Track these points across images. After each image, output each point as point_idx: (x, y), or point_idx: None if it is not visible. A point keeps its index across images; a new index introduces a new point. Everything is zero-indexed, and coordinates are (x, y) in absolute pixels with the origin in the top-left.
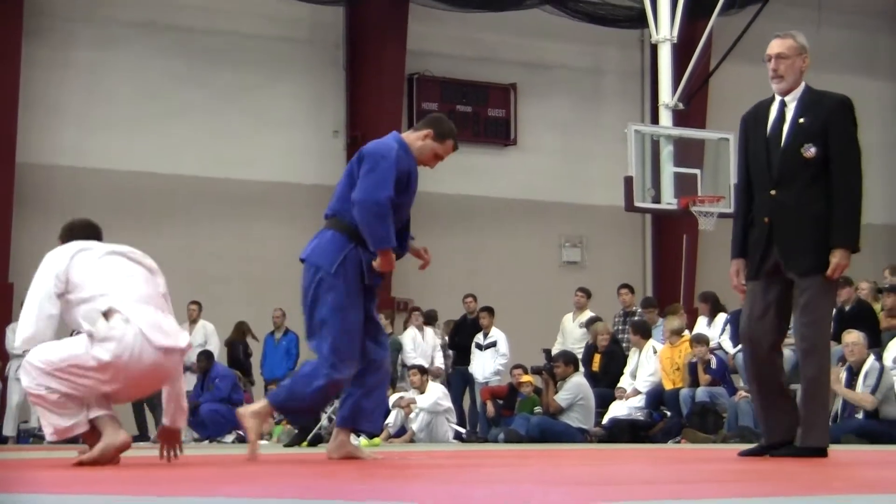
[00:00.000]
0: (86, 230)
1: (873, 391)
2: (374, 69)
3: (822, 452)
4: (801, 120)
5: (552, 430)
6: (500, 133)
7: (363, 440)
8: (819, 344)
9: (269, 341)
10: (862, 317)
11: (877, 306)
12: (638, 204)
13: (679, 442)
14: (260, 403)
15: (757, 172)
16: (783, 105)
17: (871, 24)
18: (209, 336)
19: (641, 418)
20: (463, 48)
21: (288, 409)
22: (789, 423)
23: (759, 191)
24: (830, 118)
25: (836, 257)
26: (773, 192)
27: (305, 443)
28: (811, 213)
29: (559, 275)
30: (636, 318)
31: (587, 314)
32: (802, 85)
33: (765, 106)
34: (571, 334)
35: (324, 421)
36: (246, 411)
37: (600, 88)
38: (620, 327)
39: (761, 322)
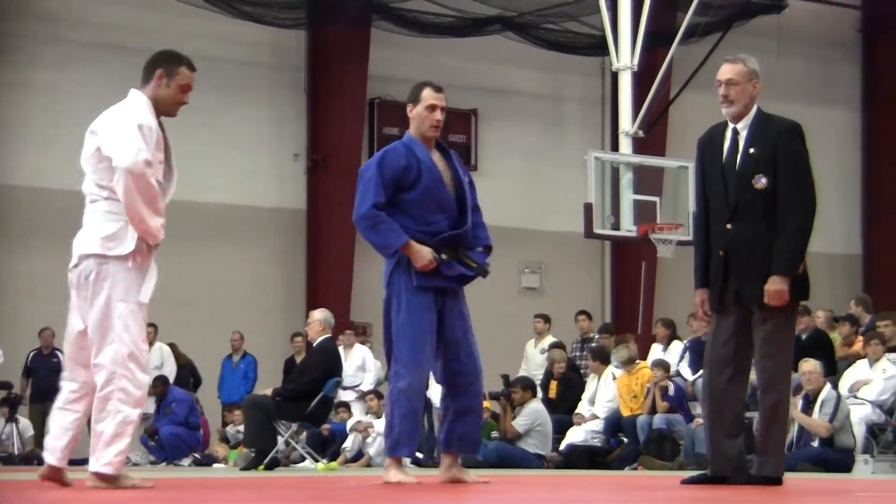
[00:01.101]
0: None
1: (831, 419)
2: (336, 93)
3: (777, 482)
4: (752, 150)
5: (509, 456)
6: (461, 158)
7: (320, 465)
8: (779, 375)
9: (227, 364)
10: (818, 345)
11: (833, 335)
12: (597, 231)
13: (636, 469)
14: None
15: (714, 202)
16: (736, 132)
17: (830, 55)
18: (165, 358)
19: (598, 444)
20: (424, 73)
21: (401, 441)
22: (738, 459)
23: (715, 221)
24: (779, 146)
25: (771, 284)
26: (728, 226)
27: (262, 466)
28: (765, 245)
29: (519, 300)
30: (593, 344)
31: (549, 339)
32: (754, 110)
33: (719, 131)
34: (534, 360)
35: (280, 444)
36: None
37: (561, 115)
38: (578, 353)
39: (724, 351)
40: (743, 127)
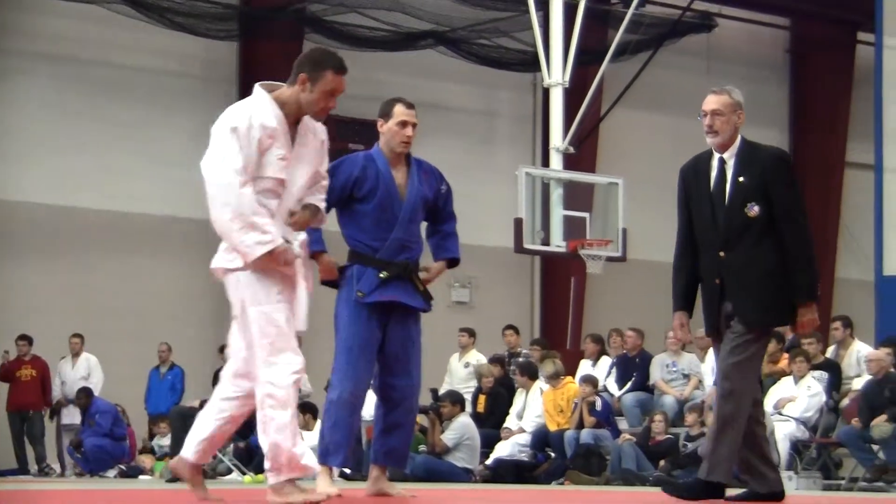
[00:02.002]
0: None
1: None
2: None
3: (721, 490)
4: (741, 179)
5: (437, 470)
6: None
7: (247, 477)
8: (739, 387)
9: (154, 375)
10: None
11: None
12: (527, 246)
13: (563, 483)
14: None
15: (703, 231)
16: (722, 162)
17: (759, 75)
18: (92, 369)
19: (526, 459)
20: (357, 87)
21: (330, 450)
22: (729, 467)
23: (706, 250)
24: (768, 176)
25: (801, 315)
26: (721, 254)
27: None
28: (761, 270)
29: (448, 314)
30: (521, 359)
31: (473, 354)
32: (739, 139)
33: (704, 160)
34: (457, 374)
35: None
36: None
37: (492, 131)
38: (506, 368)
39: (725, 375)
40: (730, 156)
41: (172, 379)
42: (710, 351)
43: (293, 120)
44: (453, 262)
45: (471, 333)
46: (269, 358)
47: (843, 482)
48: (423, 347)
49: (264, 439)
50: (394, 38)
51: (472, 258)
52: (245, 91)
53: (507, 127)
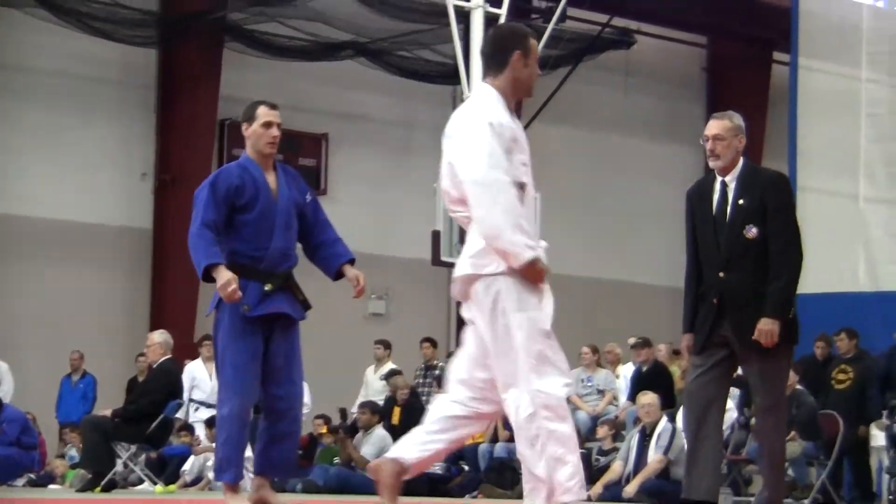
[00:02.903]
0: None
1: (666, 452)
2: (186, 113)
3: None
4: (741, 201)
5: (350, 482)
6: (310, 182)
7: (158, 487)
8: (777, 403)
9: (66, 384)
10: (658, 378)
11: (673, 368)
12: (445, 258)
13: (476, 496)
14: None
15: (706, 252)
16: (724, 185)
17: (675, 92)
18: (3, 376)
19: (440, 472)
20: (276, 96)
21: (223, 466)
22: (709, 485)
23: (708, 269)
24: (766, 196)
25: (762, 324)
26: (721, 275)
27: (99, 488)
28: (756, 291)
29: (364, 326)
30: (437, 371)
31: (388, 366)
32: (741, 162)
33: (708, 183)
34: (373, 386)
35: (118, 466)
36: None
37: (411, 142)
38: (422, 380)
39: (705, 393)
40: (731, 179)
41: (84, 387)
42: (623, 366)
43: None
44: (352, 263)
45: (386, 346)
46: (539, 367)
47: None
48: (338, 359)
49: (536, 454)
50: (314, 48)
51: (389, 270)
52: (165, 97)
53: (427, 139)
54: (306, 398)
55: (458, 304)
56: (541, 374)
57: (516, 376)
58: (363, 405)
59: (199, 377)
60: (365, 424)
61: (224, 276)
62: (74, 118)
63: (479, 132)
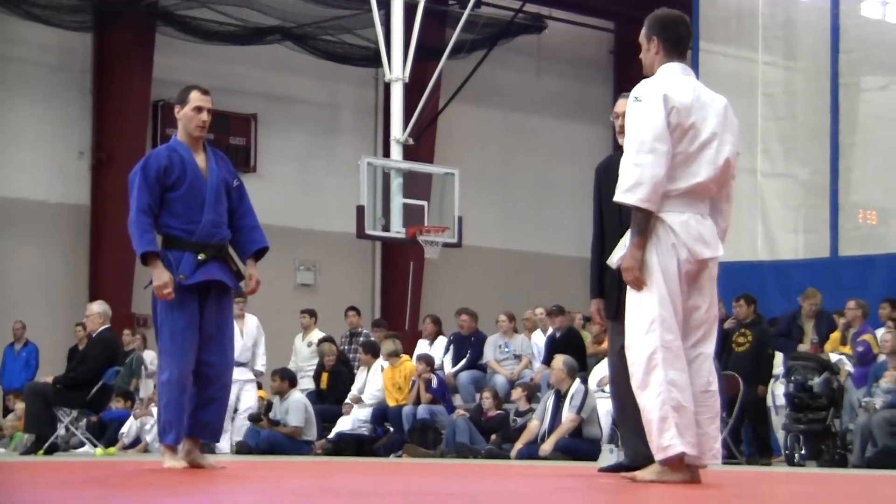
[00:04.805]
0: None
1: (578, 411)
2: (121, 95)
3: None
4: None
5: (280, 444)
6: (240, 160)
7: (98, 450)
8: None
9: (9, 352)
10: (571, 343)
11: (584, 333)
12: (369, 232)
13: (401, 456)
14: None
15: (611, 224)
16: None
17: (585, 74)
18: None
19: (366, 433)
20: (207, 78)
21: (165, 429)
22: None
23: (611, 240)
24: None
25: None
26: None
27: (41, 451)
28: None
29: (294, 296)
30: (362, 338)
31: (315, 333)
32: None
33: (616, 158)
34: (301, 353)
35: (60, 430)
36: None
37: (336, 122)
38: (347, 347)
39: (621, 355)
40: None
41: (27, 355)
42: (537, 332)
43: None
44: (263, 251)
45: (311, 314)
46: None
47: None
48: (269, 328)
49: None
50: (242, 33)
51: (317, 243)
52: (100, 79)
53: (350, 119)
54: None
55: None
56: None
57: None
58: (275, 372)
59: None
60: (277, 390)
61: (162, 276)
62: (13, 99)
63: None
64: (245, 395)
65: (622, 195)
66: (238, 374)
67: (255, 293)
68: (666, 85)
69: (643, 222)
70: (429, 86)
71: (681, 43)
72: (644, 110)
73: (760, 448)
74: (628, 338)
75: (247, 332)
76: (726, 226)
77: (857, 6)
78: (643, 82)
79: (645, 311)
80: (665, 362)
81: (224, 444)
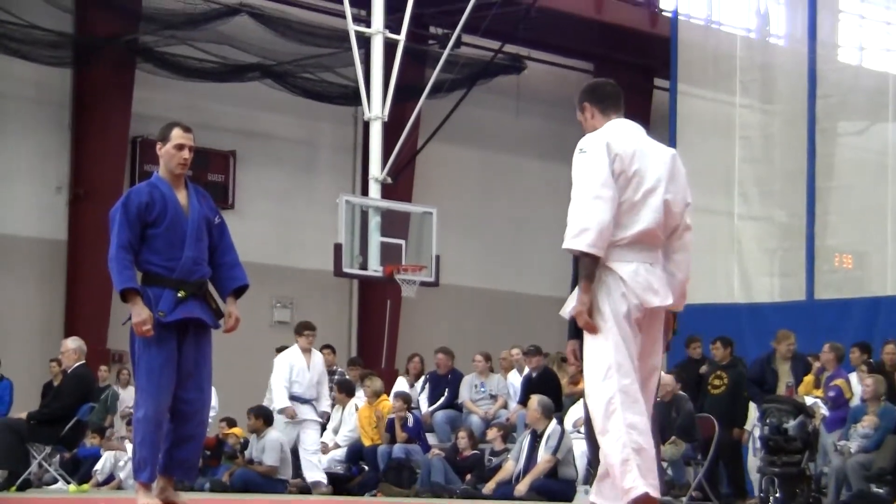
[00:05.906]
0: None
1: (554, 452)
2: (99, 130)
3: None
4: None
5: (254, 482)
6: (218, 197)
7: (71, 486)
8: None
9: None
10: (547, 383)
11: (561, 374)
12: (346, 270)
13: (375, 495)
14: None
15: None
16: None
17: (564, 115)
18: None
19: (341, 472)
20: (186, 115)
21: (140, 466)
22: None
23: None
24: None
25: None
26: None
27: (14, 487)
28: None
29: (270, 333)
30: (336, 377)
31: None
32: None
33: None
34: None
35: (33, 466)
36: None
37: (315, 160)
38: None
39: None
40: None
41: (1, 391)
42: (513, 372)
43: None
44: (244, 289)
45: None
46: None
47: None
48: (244, 365)
49: None
50: (222, 70)
51: (294, 280)
52: (79, 114)
53: (329, 157)
54: (214, 401)
55: (360, 312)
56: None
57: None
58: (251, 410)
59: (298, 366)
60: (253, 428)
61: (141, 313)
62: None
63: None
64: (306, 435)
65: (569, 241)
66: (303, 412)
67: (234, 331)
68: (608, 135)
69: (591, 267)
70: (408, 125)
71: (610, 100)
72: (588, 159)
73: (735, 490)
74: (587, 385)
75: (313, 367)
76: (683, 277)
77: (834, 52)
78: (588, 135)
79: (601, 358)
80: (623, 406)
81: (321, 476)
